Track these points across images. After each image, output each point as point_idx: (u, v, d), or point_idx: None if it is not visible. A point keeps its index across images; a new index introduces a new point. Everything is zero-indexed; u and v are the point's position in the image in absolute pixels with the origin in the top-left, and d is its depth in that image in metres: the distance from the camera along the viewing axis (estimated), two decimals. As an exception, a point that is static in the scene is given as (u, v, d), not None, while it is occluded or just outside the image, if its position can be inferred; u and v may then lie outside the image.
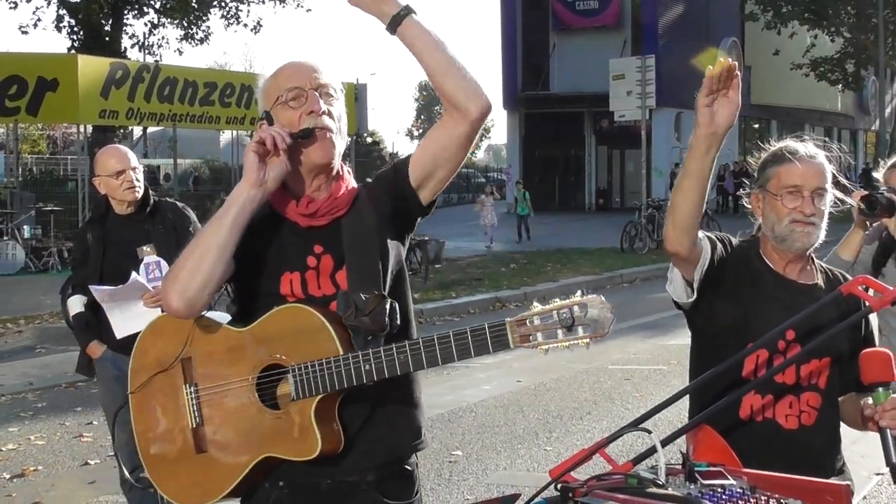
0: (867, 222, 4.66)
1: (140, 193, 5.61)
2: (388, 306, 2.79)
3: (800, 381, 3.27)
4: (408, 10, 2.84)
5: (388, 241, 2.96)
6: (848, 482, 2.46)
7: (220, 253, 2.80)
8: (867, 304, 2.87)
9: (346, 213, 2.96)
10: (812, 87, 48.67)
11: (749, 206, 3.45)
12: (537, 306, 2.62)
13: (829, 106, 55.99)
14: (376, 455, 2.93)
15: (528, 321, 2.60)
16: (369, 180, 3.09)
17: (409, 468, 3.05)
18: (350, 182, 3.01)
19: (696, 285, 3.24)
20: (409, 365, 2.71)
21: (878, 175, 4.80)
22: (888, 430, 2.93)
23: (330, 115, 2.90)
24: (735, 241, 3.44)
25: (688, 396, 3.28)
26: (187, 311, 2.84)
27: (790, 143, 3.39)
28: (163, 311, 2.99)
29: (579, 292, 2.61)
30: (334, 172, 2.97)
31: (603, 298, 2.60)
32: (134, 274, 5.38)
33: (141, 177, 5.64)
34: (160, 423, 2.96)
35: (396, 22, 2.83)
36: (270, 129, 2.81)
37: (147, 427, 2.98)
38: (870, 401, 3.01)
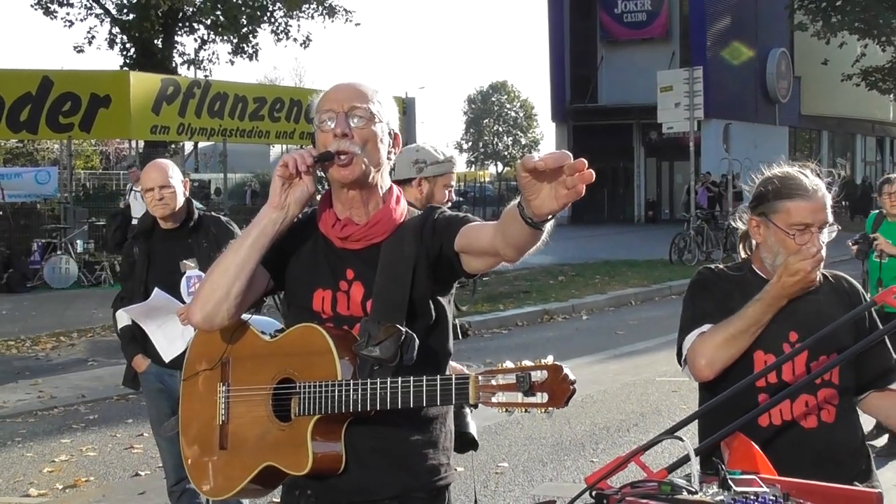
0: None
1: (167, 210, 5.66)
2: (401, 339, 2.81)
3: (812, 380, 3.29)
4: (540, 226, 2.52)
5: (426, 277, 2.97)
6: (879, 490, 2.47)
7: (238, 271, 2.92)
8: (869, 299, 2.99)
9: (385, 239, 2.99)
10: (863, 97, 48.15)
11: (743, 227, 3.53)
12: (508, 364, 2.59)
13: (880, 115, 55.38)
14: (393, 485, 2.98)
15: (492, 379, 2.59)
16: (440, 209, 3.08)
17: (436, 490, 3.07)
18: (398, 209, 3.04)
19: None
20: (386, 401, 2.75)
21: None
22: None
23: (356, 136, 2.91)
24: (721, 269, 3.53)
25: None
26: (205, 324, 3.01)
27: (794, 174, 3.41)
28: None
29: (550, 357, 2.56)
30: (368, 191, 2.99)
31: (567, 371, 2.52)
32: (156, 290, 5.49)
33: (179, 191, 5.68)
34: (199, 413, 3.15)
35: (529, 223, 2.50)
36: (294, 152, 2.90)
37: (190, 414, 3.19)
38: None
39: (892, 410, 3.46)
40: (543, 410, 2.52)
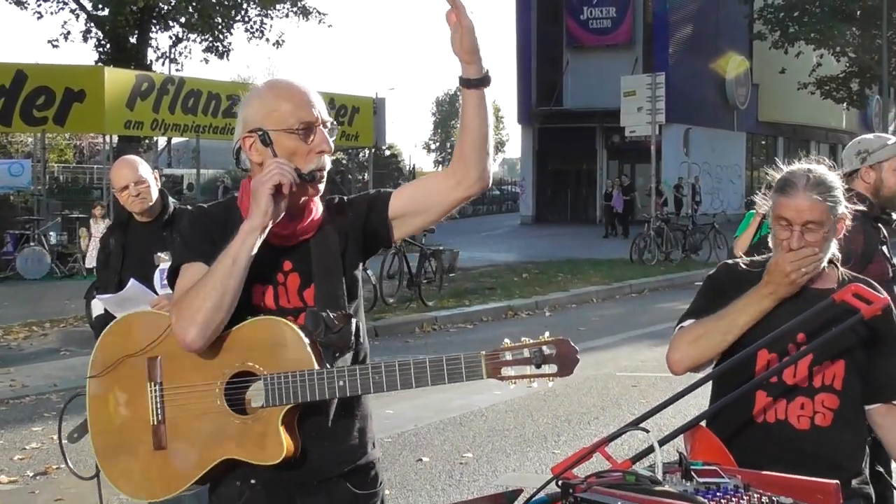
0: None
1: (146, 204, 5.62)
2: (353, 326, 2.89)
3: (812, 383, 3.22)
4: (484, 82, 2.88)
5: (351, 263, 3.04)
6: (836, 481, 2.42)
7: (235, 295, 2.84)
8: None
9: (314, 235, 3.01)
10: (818, 105, 48.53)
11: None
12: (508, 342, 2.74)
13: (834, 123, 55.87)
14: (342, 462, 3.04)
15: (500, 355, 2.72)
16: (343, 198, 3.14)
17: (373, 461, 3.15)
18: (318, 206, 3.04)
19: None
20: (382, 385, 2.78)
21: None
22: None
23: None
24: (738, 265, 3.44)
25: (708, 399, 3.42)
26: (198, 347, 2.85)
27: (797, 169, 3.30)
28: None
29: (547, 333, 2.75)
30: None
31: (570, 341, 2.73)
32: (132, 280, 5.41)
33: (152, 186, 5.65)
34: (118, 416, 3.00)
35: (470, 84, 2.87)
36: (281, 167, 2.83)
37: (103, 417, 3.02)
38: None
39: (891, 433, 3.30)
40: (551, 380, 2.72)
